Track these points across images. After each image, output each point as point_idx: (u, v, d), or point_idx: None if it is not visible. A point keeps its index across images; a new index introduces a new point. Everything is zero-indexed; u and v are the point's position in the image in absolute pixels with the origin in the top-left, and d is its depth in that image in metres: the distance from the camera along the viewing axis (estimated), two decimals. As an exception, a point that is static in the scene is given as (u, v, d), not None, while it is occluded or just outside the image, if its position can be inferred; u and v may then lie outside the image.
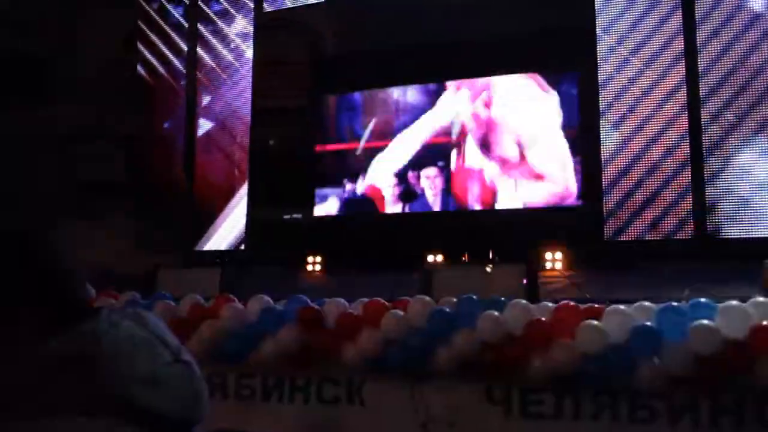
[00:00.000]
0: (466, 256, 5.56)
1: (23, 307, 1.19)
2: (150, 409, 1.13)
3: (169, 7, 7.79)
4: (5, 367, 1.12)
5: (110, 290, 3.71)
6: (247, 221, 6.82)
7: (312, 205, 6.58)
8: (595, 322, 2.74)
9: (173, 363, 1.21)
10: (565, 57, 5.97)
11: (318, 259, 6.16)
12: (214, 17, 7.48)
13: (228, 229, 6.95)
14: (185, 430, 1.22)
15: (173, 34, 7.73)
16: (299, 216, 6.64)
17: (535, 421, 2.86)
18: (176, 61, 7.68)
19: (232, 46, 7.38)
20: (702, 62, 5.55)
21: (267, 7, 7.27)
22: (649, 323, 2.72)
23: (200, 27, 7.56)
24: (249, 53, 7.28)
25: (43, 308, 1.20)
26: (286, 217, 6.69)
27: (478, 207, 6.31)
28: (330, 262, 6.13)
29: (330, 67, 6.93)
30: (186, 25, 7.66)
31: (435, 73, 6.50)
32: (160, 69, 7.73)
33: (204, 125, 7.42)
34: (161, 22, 7.80)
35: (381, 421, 3.08)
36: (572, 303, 2.95)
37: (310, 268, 6.15)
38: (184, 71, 7.61)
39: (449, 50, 6.35)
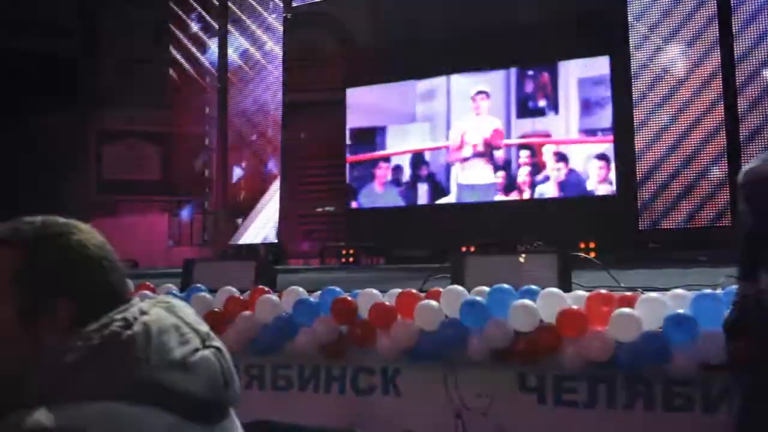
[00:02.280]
0: (499, 245, 5.56)
1: (62, 298, 1.23)
2: (182, 393, 1.16)
3: (197, 6, 7.88)
4: (44, 354, 1.16)
5: (147, 283, 3.78)
6: (280, 215, 6.90)
7: (344, 197, 6.62)
8: (630, 310, 2.73)
9: (203, 348, 1.24)
10: (597, 43, 5.92)
11: (351, 250, 6.22)
12: (242, 15, 7.55)
13: (262, 223, 7.04)
14: (221, 412, 1.26)
15: (201, 34, 7.82)
16: (332, 208, 6.70)
17: (568, 408, 2.87)
18: (205, 60, 7.76)
19: (261, 42, 7.45)
20: (738, 49, 5.46)
21: (295, 2, 7.32)
22: (684, 311, 2.70)
23: (229, 26, 7.63)
24: (278, 49, 7.34)
25: (80, 298, 1.24)
26: (319, 209, 6.75)
27: (512, 197, 6.29)
28: (362, 253, 6.18)
29: (360, 58, 6.95)
30: (216, 26, 7.73)
31: (465, 63, 6.49)
32: (189, 68, 7.83)
33: (235, 122, 7.50)
34: (189, 22, 7.90)
35: (415, 410, 3.11)
36: (606, 291, 2.94)
37: (343, 259, 6.21)
38: (214, 70, 7.70)
39: (477, 39, 6.34)
